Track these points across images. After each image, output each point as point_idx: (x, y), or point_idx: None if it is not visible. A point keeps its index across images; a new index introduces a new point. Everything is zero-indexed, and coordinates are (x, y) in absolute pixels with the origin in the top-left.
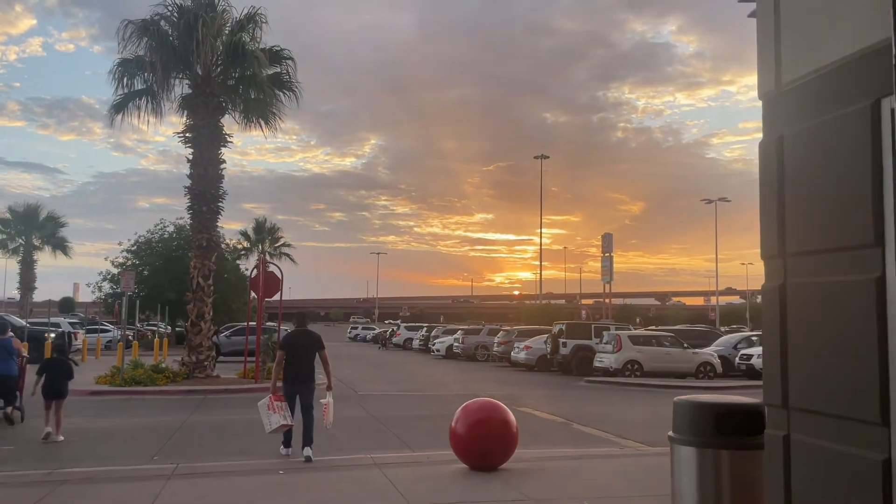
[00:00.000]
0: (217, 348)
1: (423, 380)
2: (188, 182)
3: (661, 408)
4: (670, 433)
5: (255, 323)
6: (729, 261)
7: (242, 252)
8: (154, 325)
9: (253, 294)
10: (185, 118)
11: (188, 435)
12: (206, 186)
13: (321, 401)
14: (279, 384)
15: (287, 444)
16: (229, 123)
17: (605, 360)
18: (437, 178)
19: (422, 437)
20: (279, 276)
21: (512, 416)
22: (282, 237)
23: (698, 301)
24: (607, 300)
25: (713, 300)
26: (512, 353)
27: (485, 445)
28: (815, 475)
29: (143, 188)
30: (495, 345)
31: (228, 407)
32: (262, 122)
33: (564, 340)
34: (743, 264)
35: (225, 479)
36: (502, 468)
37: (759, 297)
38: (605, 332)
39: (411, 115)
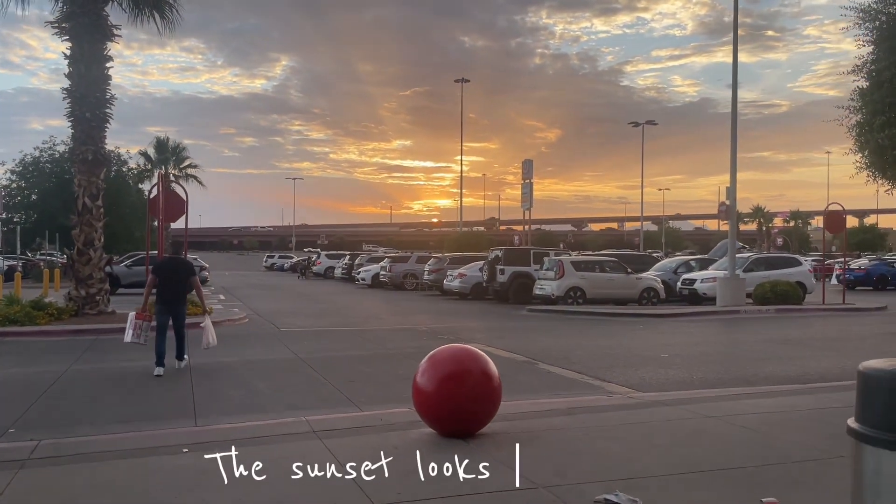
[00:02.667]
0: (115, 279)
1: (352, 312)
2: (67, 83)
3: (620, 339)
4: (853, 423)
5: (156, 252)
6: (639, 187)
7: (146, 174)
8: (48, 255)
9: (156, 222)
10: (59, 5)
11: (66, 392)
12: (89, 87)
13: (200, 325)
14: (151, 306)
15: (161, 362)
16: (118, 18)
17: (546, 287)
18: (352, 103)
19: (365, 387)
20: (183, 197)
21: (493, 367)
22: (188, 158)
23: (612, 226)
24: (527, 227)
25: (627, 225)
26: (445, 282)
27: (461, 406)
28: None
29: (35, 109)
30: (426, 273)
31: (123, 350)
32: (156, 15)
33: (502, 267)
34: (659, 190)
35: (102, 465)
36: (482, 433)
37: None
38: (545, 259)
39: (324, 35)
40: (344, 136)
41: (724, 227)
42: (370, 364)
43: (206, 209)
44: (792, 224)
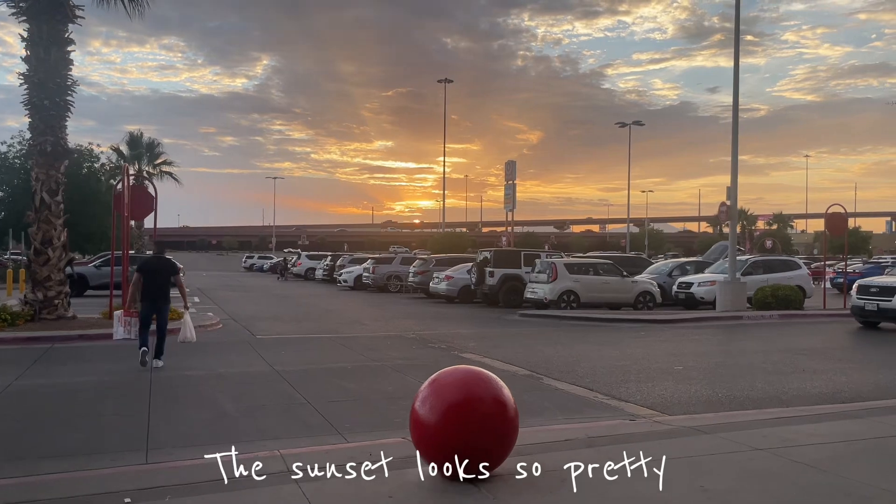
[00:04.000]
0: (83, 280)
1: (334, 316)
2: (24, 67)
3: (625, 348)
4: None
5: (131, 252)
6: (620, 190)
7: (118, 171)
8: (16, 254)
9: (133, 220)
10: None
11: (1, 414)
12: (48, 73)
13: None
14: (137, 303)
15: (144, 360)
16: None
17: (538, 290)
18: (334, 103)
19: (350, 409)
20: (152, 193)
21: (507, 393)
22: (162, 154)
23: (593, 228)
24: (510, 228)
25: (609, 227)
26: (431, 284)
27: (471, 442)
28: None
29: (10, 106)
30: (411, 275)
31: (79, 360)
32: None
33: (491, 269)
34: (643, 192)
35: None
36: (497, 474)
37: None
38: (537, 261)
39: (306, 34)
40: (325, 136)
41: (706, 229)
42: (354, 379)
43: (185, 209)
44: (775, 226)
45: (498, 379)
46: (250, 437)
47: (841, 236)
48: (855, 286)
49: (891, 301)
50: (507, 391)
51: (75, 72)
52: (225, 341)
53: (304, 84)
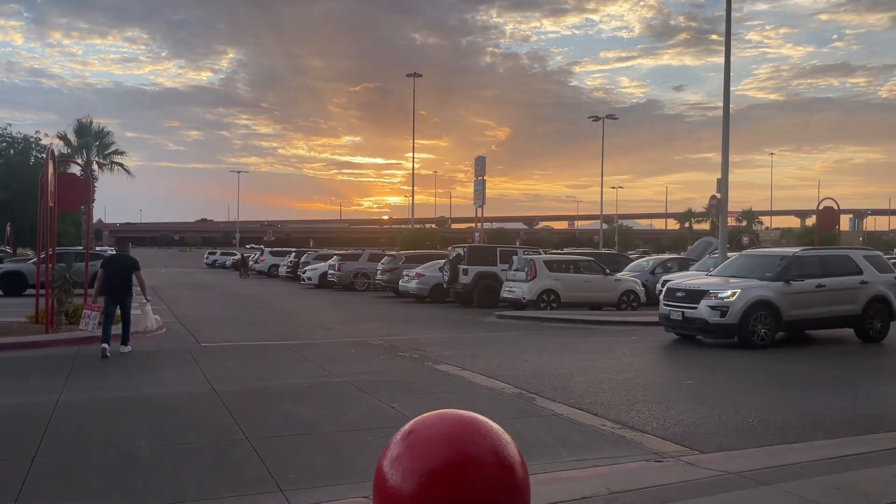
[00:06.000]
0: (18, 279)
1: (295, 319)
2: None
3: (620, 357)
4: None
5: (84, 249)
6: (588, 186)
7: (65, 161)
8: None
9: (62, 211)
10: None
11: None
12: None
13: (138, 311)
14: (100, 298)
15: (104, 355)
16: None
17: (516, 290)
18: (301, 98)
19: (298, 448)
20: (85, 181)
21: (514, 450)
22: (113, 143)
23: (560, 225)
24: (479, 224)
25: (578, 223)
26: (400, 283)
27: None
28: None
29: None
30: (379, 272)
31: None
32: None
33: (465, 267)
34: (613, 188)
35: None
36: None
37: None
38: (514, 258)
39: (273, 28)
40: (292, 131)
41: (673, 225)
42: (308, 401)
43: (148, 203)
44: (744, 223)
45: (499, 429)
46: (159, 497)
47: (832, 232)
48: (664, 288)
49: (696, 308)
50: (513, 447)
51: (35, 64)
52: (164, 350)
53: (271, 78)
